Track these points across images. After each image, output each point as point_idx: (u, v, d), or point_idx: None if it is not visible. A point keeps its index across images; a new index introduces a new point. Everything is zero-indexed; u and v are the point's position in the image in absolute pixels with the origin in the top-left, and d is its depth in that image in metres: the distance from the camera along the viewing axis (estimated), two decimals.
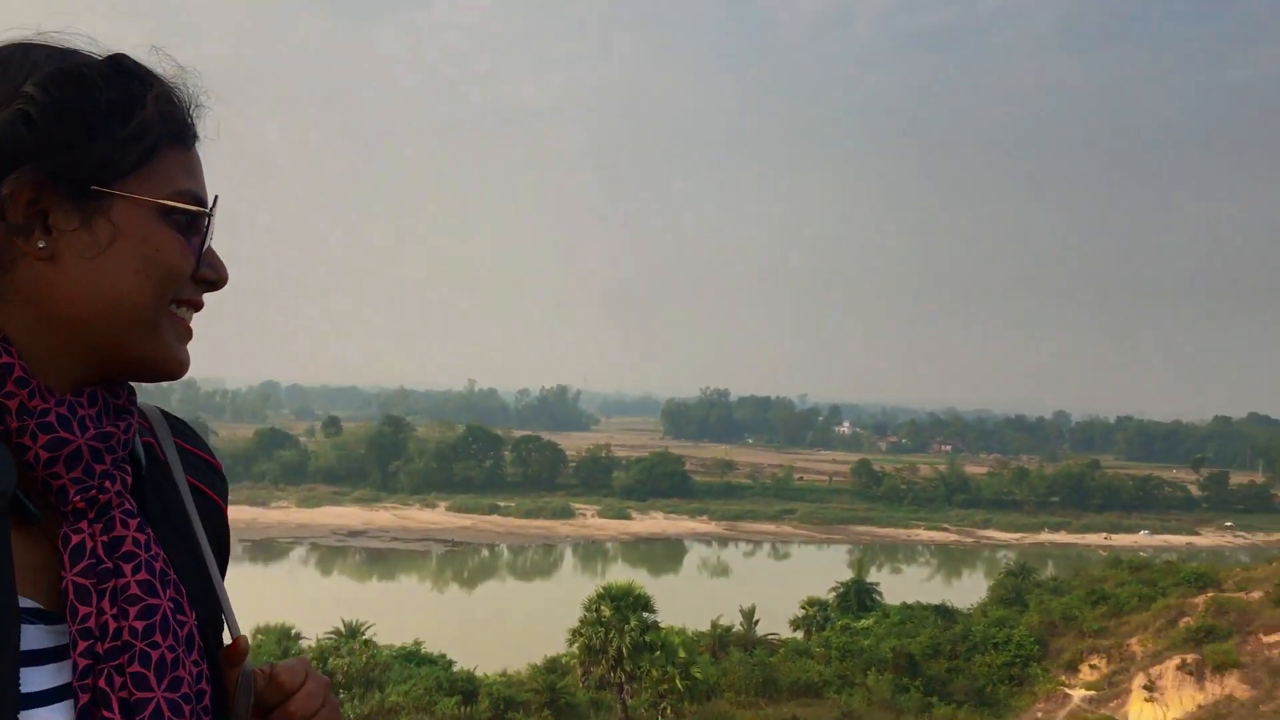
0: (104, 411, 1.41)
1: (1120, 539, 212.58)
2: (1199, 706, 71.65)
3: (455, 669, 64.78)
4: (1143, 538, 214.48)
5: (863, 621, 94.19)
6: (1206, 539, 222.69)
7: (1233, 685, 72.46)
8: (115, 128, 1.38)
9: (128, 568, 1.36)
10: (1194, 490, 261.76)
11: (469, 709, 55.17)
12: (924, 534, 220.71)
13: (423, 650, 71.23)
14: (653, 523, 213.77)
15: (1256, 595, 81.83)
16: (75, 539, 1.35)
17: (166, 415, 1.72)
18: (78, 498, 1.35)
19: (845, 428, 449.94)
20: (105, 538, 1.38)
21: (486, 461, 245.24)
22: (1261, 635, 75.04)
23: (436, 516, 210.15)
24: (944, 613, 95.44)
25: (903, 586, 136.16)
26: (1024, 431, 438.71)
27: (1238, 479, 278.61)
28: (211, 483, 1.73)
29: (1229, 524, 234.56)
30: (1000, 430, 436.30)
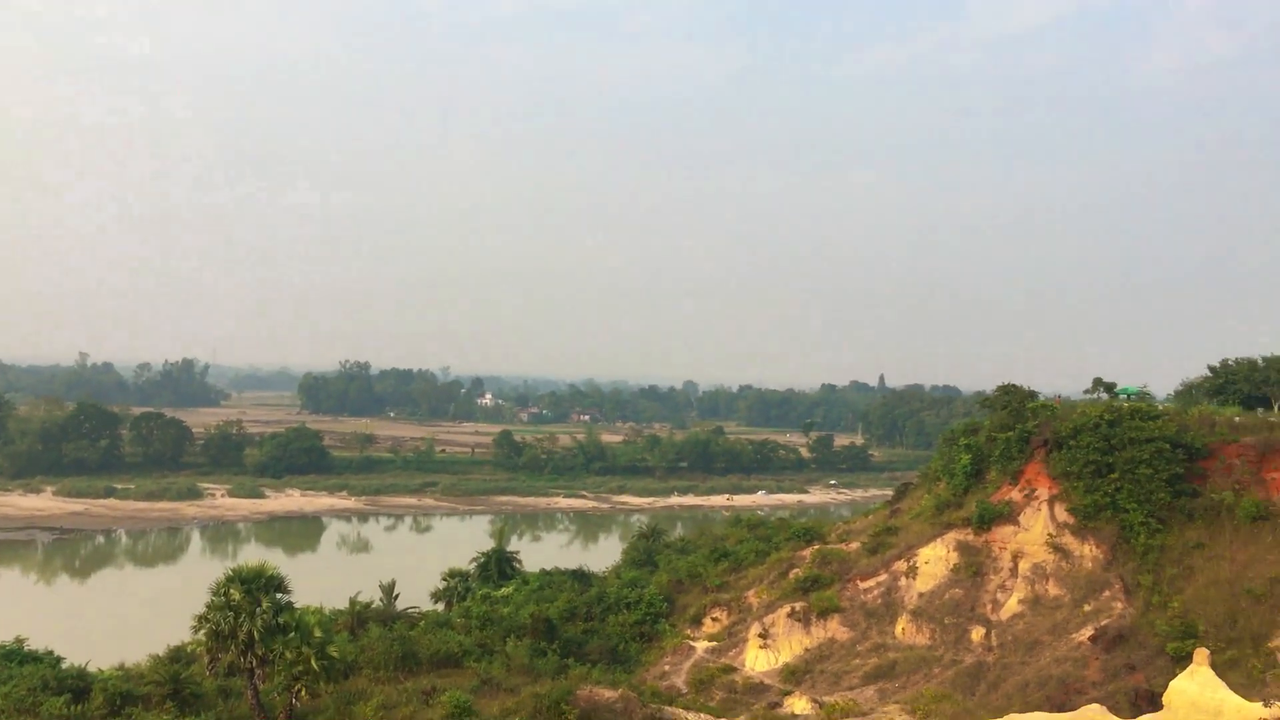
0: None
1: (741, 499, 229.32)
2: (805, 649, 78.60)
3: (64, 666, 59.80)
4: (760, 497, 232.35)
5: (503, 590, 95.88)
6: (815, 496, 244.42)
7: (834, 628, 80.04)
8: None
9: None
10: (804, 452, 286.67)
11: (79, 707, 50.99)
12: (563, 501, 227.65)
13: (25, 648, 65.16)
14: (289, 500, 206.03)
15: (854, 546, 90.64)
16: None
17: None
18: None
19: (488, 399, 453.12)
20: None
21: (101, 441, 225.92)
22: (858, 581, 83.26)
23: (42, 502, 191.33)
24: (581, 577, 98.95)
25: (543, 553, 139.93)
26: (657, 400, 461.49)
27: (841, 441, 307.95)
28: None
29: (833, 482, 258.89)
30: (635, 400, 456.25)
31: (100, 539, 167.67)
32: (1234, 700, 45.53)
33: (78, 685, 53.97)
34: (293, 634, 56.22)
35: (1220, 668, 54.08)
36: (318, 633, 59.44)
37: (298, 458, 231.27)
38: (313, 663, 57.25)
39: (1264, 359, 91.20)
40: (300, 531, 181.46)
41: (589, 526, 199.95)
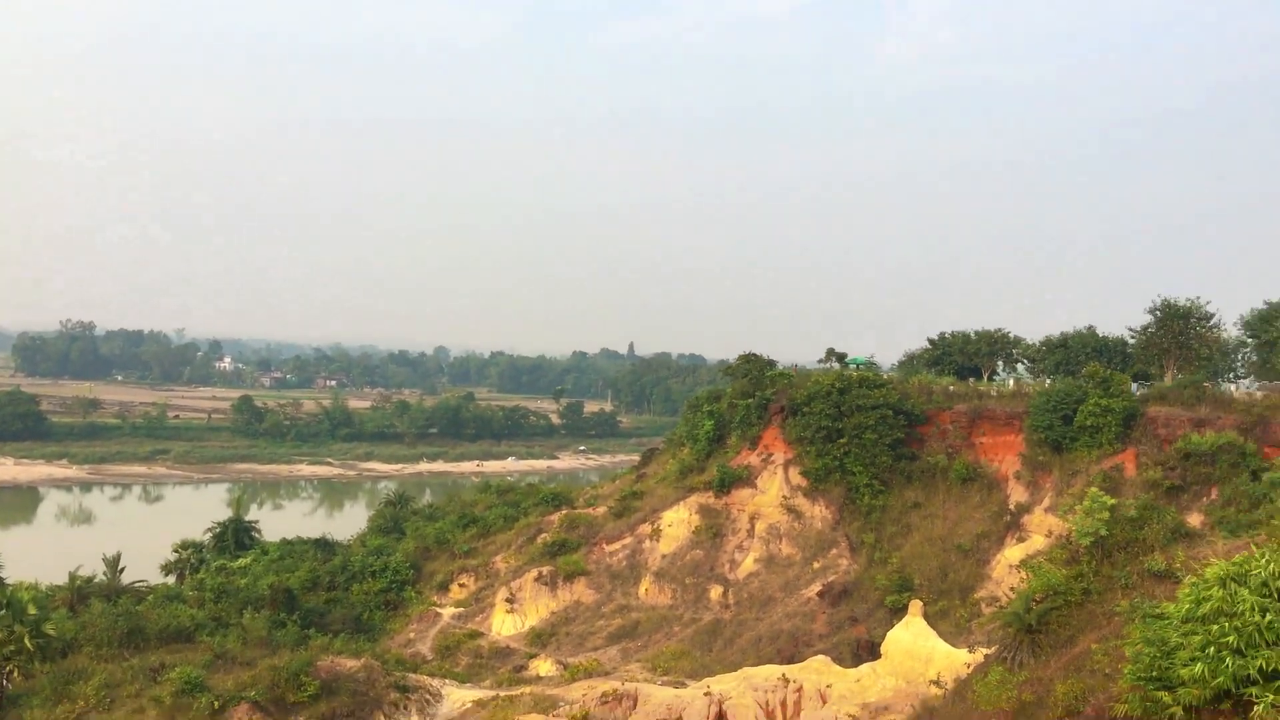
0: None
1: (491, 465, 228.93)
2: (551, 613, 79.76)
3: None
4: (511, 464, 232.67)
5: (240, 560, 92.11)
6: (564, 462, 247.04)
7: (580, 591, 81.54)
8: None
9: None
10: (555, 418, 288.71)
11: None
12: (307, 469, 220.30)
13: None
14: (1, 469, 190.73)
15: (602, 510, 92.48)
16: None
17: None
18: None
19: (226, 363, 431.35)
20: None
21: None
22: (604, 544, 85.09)
23: None
24: (324, 546, 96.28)
25: (284, 522, 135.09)
26: (406, 366, 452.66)
27: (591, 407, 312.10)
28: None
29: (583, 448, 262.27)
30: (384, 365, 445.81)
31: None
32: (943, 647, 49.52)
33: None
34: (3, 612, 52.60)
35: (932, 618, 58.64)
36: (32, 610, 55.84)
37: (10, 423, 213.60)
38: (26, 641, 53.80)
39: (976, 333, 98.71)
40: (13, 503, 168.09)
41: (334, 494, 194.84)
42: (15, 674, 55.84)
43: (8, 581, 65.97)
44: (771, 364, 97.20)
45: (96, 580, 79.34)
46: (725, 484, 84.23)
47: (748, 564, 78.86)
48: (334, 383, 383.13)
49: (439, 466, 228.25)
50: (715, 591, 76.65)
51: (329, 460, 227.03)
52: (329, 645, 64.40)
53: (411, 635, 77.28)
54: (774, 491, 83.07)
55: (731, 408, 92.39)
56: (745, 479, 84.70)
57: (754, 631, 70.31)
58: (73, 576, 76.47)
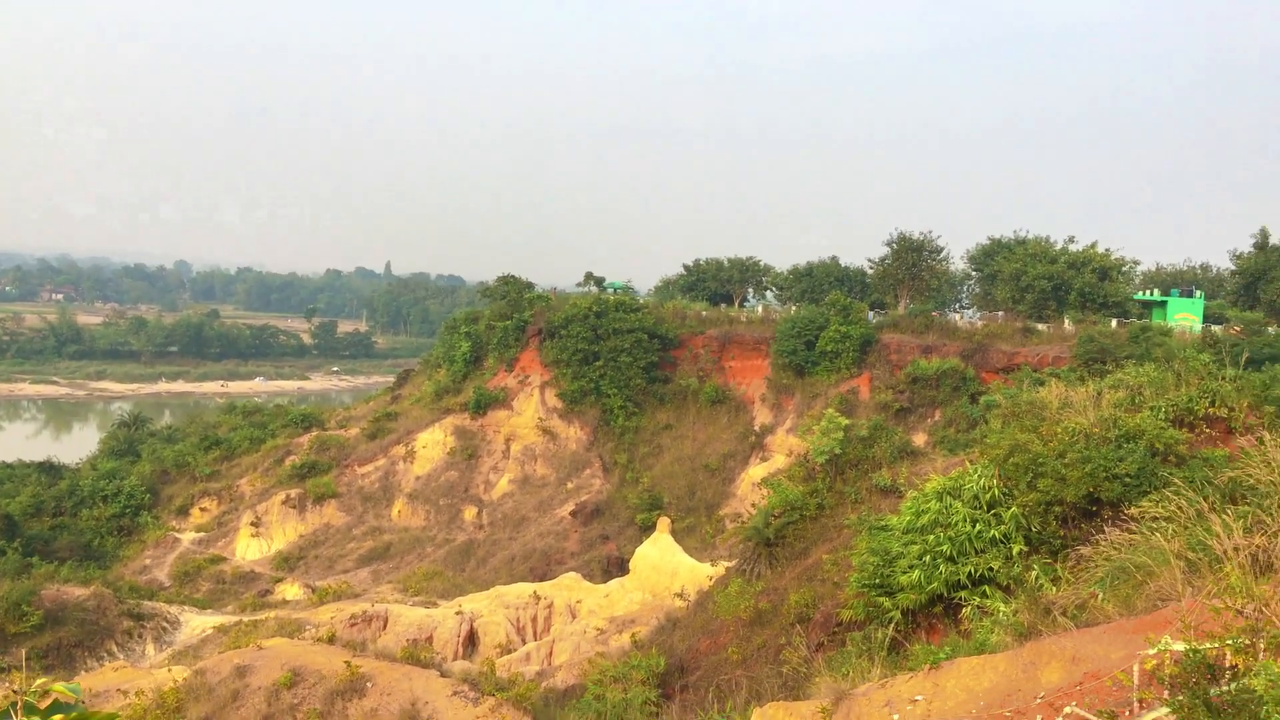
0: None
1: (237, 386, 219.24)
2: (300, 536, 77.73)
3: None
4: (258, 384, 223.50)
5: None
6: (316, 383, 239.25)
7: (330, 514, 79.80)
8: None
9: None
10: (307, 338, 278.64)
11: None
12: (30, 388, 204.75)
13: None
14: None
15: (354, 431, 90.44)
16: None
17: None
18: None
19: None
20: None
21: None
22: (356, 466, 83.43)
23: None
24: (49, 469, 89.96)
25: (4, 445, 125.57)
26: (144, 280, 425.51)
27: (345, 328, 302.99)
28: None
29: (336, 369, 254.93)
30: (118, 279, 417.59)
31: None
32: (688, 562, 51.46)
33: None
34: None
35: (679, 534, 60.84)
36: None
37: None
38: None
39: (729, 260, 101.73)
40: None
41: (61, 415, 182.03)
42: None
43: None
44: (530, 286, 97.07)
45: None
46: (481, 405, 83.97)
47: (502, 485, 79.22)
48: (61, 296, 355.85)
49: (180, 387, 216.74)
50: (469, 512, 76.71)
51: (55, 379, 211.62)
52: (54, 573, 60.57)
53: (147, 562, 73.66)
54: (530, 413, 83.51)
55: (489, 329, 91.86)
56: (502, 401, 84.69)
57: (507, 551, 70.93)
58: None
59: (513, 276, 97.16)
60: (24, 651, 48.45)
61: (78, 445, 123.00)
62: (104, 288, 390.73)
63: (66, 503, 79.52)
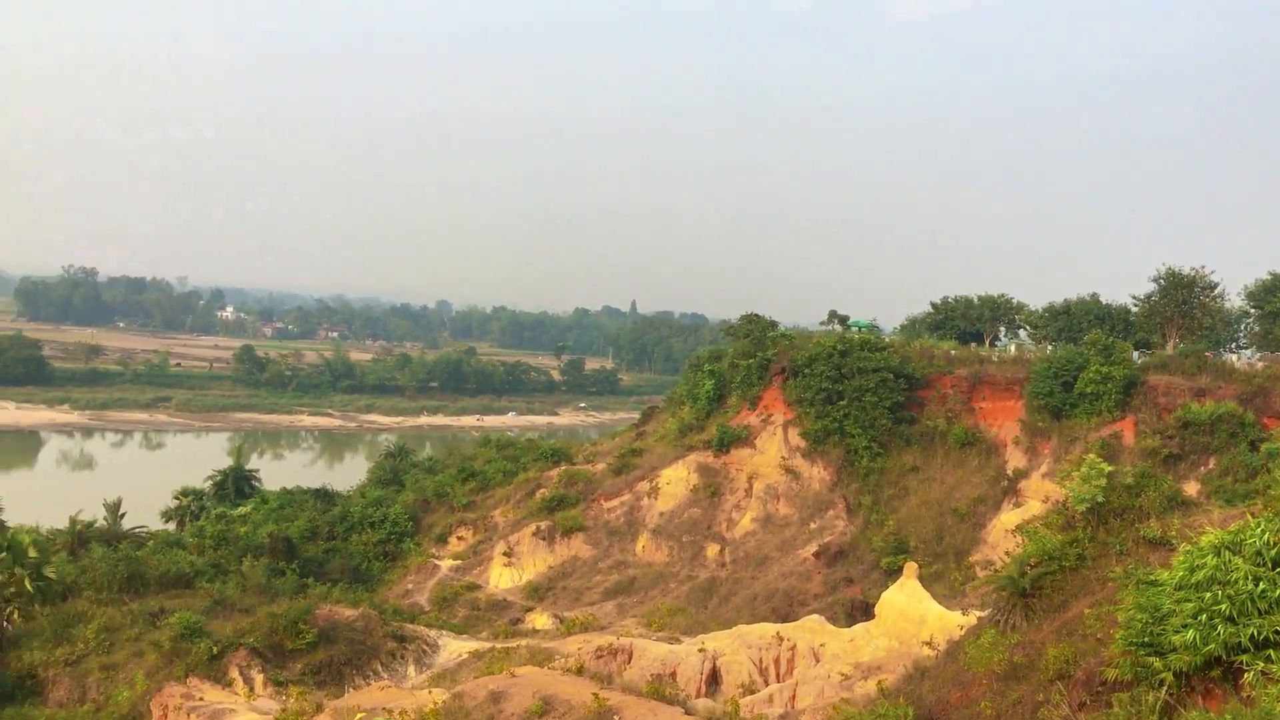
0: None
1: (491, 420, 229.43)
2: (549, 567, 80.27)
3: None
4: (511, 419, 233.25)
5: (240, 509, 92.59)
6: (565, 418, 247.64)
7: (578, 546, 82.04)
8: None
9: None
10: (556, 375, 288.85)
11: None
12: (308, 420, 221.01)
13: None
14: (2, 413, 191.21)
15: (600, 467, 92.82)
16: None
17: None
18: None
19: (229, 312, 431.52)
20: None
21: None
22: (603, 501, 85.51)
23: None
24: (324, 496, 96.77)
25: (284, 472, 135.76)
26: (409, 319, 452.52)
27: (592, 365, 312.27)
28: None
29: (583, 405, 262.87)
30: (386, 318, 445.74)
31: None
32: (936, 609, 49.82)
33: None
34: (4, 554, 52.87)
35: (927, 580, 58.98)
36: (32, 553, 56.13)
37: (12, 368, 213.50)
38: (26, 584, 54.15)
39: (979, 298, 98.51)
40: (13, 446, 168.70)
41: (335, 445, 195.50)
42: (15, 616, 56.32)
43: (8, 524, 66.38)
44: (773, 325, 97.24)
45: (97, 525, 79.81)
46: (724, 443, 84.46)
47: (745, 523, 79.25)
48: (336, 334, 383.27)
49: (439, 420, 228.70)
50: (712, 550, 77.09)
51: (330, 411, 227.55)
52: (327, 594, 64.91)
53: (409, 586, 77.84)
54: (773, 452, 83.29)
55: (732, 368, 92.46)
56: (744, 439, 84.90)
57: (749, 590, 70.78)
58: (73, 521, 76.87)
59: (756, 315, 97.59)
60: (299, 666, 52.13)
61: (349, 473, 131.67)
62: (373, 326, 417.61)
63: (338, 528, 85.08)
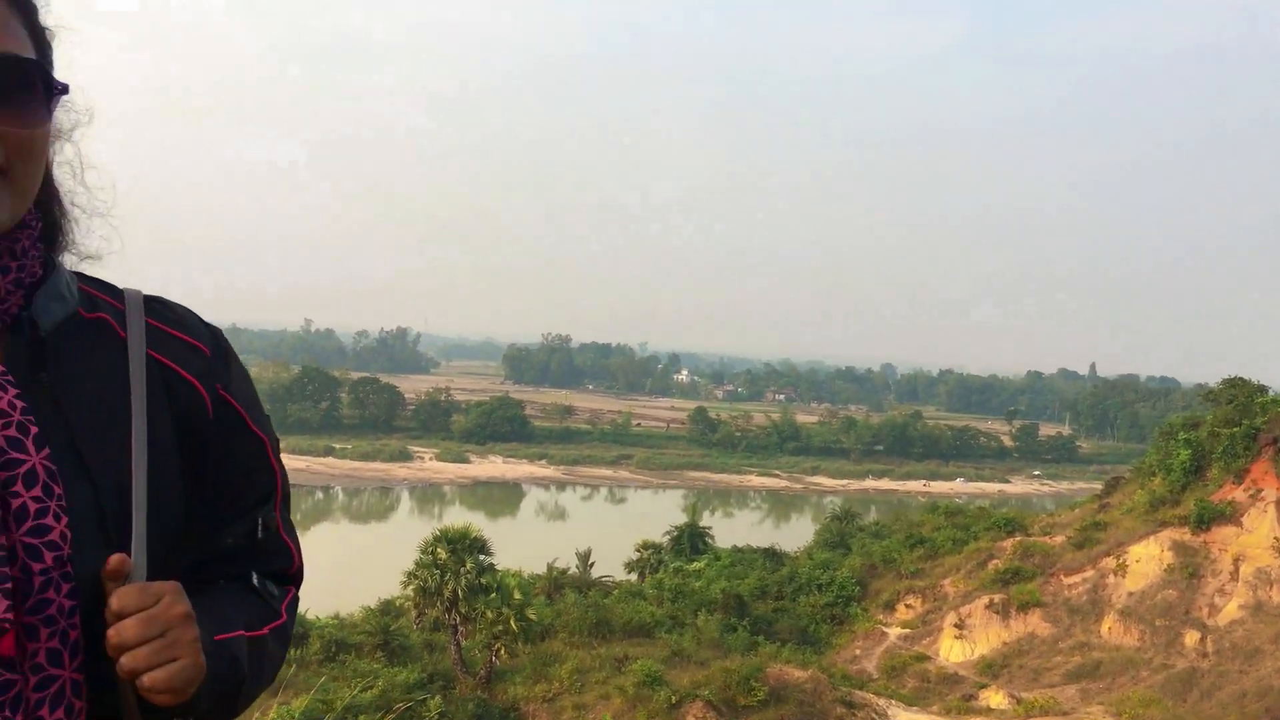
0: None
1: (938, 486, 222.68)
2: (1004, 643, 76.35)
3: None
4: (959, 485, 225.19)
5: (695, 564, 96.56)
6: (1017, 486, 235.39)
7: (1035, 623, 77.45)
8: None
9: None
10: (1007, 441, 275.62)
11: (299, 652, 54.44)
12: (756, 480, 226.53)
13: None
14: (491, 466, 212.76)
15: (1059, 539, 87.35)
16: None
17: (149, 298, 1.87)
18: None
19: (684, 375, 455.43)
20: None
21: (322, 403, 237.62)
22: (1062, 576, 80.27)
23: None
24: (772, 556, 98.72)
25: (734, 530, 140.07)
26: (853, 383, 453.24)
27: (1046, 431, 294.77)
28: (182, 359, 1.82)
29: (1037, 473, 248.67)
30: (831, 381, 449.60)
31: (319, 494, 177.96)
32: None
33: (297, 631, 57.39)
34: (494, 594, 58.43)
35: None
36: (517, 595, 61.55)
37: (500, 426, 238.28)
38: (512, 623, 59.38)
39: None
40: (501, 497, 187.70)
41: (781, 506, 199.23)
42: (502, 652, 62.19)
43: (497, 568, 73.77)
44: (1262, 390, 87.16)
45: (569, 572, 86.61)
46: (1204, 520, 76.50)
47: (1230, 610, 71.06)
48: (782, 397, 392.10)
49: (884, 484, 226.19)
50: (1190, 637, 69.77)
51: (777, 472, 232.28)
52: (777, 653, 65.96)
53: (857, 652, 77.29)
54: (1263, 532, 74.26)
55: (1212, 436, 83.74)
56: (1228, 516, 76.44)
57: (1237, 685, 63.23)
58: (550, 567, 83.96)
59: (1240, 379, 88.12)
60: None
61: (794, 534, 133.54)
62: (818, 389, 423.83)
63: (786, 588, 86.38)
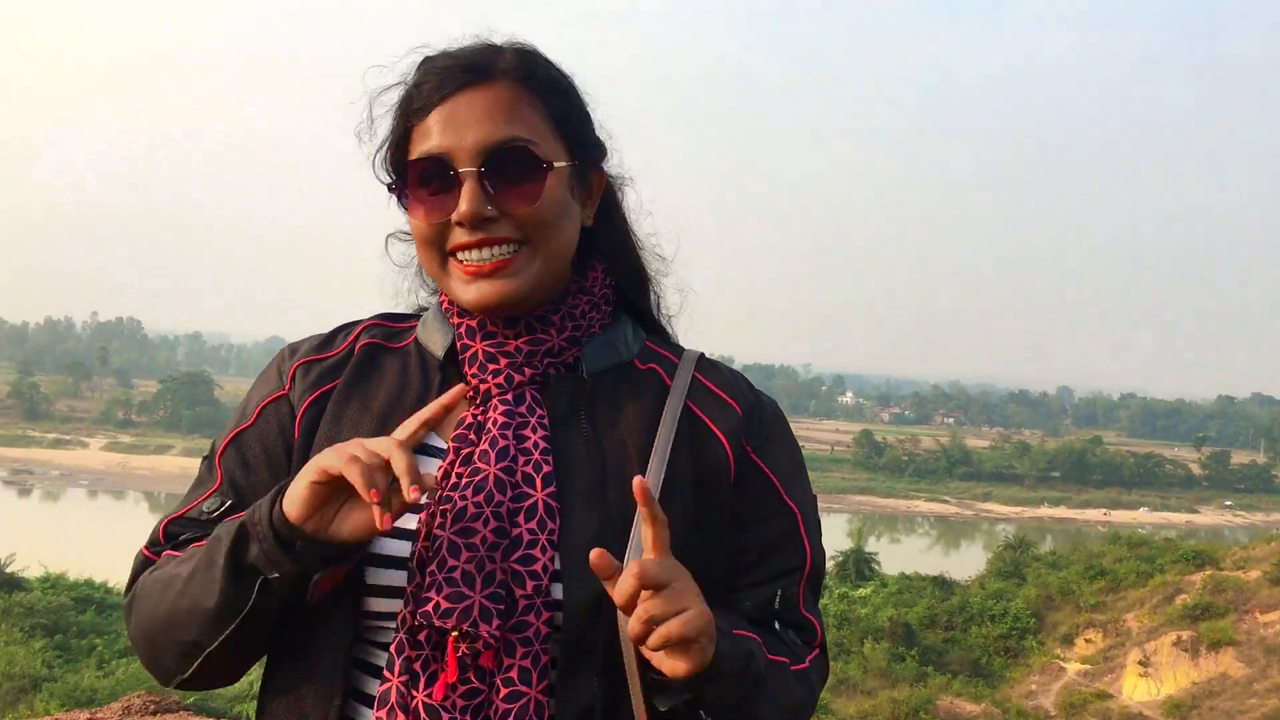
0: (505, 330, 1.77)
1: (1120, 515, 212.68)
2: (1193, 683, 72.17)
3: None
4: (1142, 514, 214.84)
5: (861, 590, 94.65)
6: (1206, 517, 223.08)
7: (1227, 663, 72.99)
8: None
9: (478, 438, 1.71)
10: (1195, 469, 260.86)
11: None
12: (924, 505, 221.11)
13: None
14: None
15: (1254, 574, 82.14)
16: (462, 413, 1.76)
17: (704, 358, 2.01)
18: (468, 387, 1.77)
19: (848, 397, 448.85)
20: (480, 416, 1.75)
21: None
22: (1258, 614, 75.45)
23: None
24: (942, 584, 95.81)
25: (901, 556, 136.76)
26: (1027, 406, 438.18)
27: (1239, 459, 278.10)
28: (715, 415, 1.87)
29: (1229, 503, 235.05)
30: (1003, 404, 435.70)
31: None
32: None
33: None
34: None
35: None
36: None
37: None
38: None
39: None
40: None
41: (950, 533, 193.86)
42: None
43: None
44: None
45: None
46: None
47: None
48: (951, 420, 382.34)
49: (1061, 512, 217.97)
50: None
51: (945, 498, 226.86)
52: (947, 685, 64.12)
53: (1033, 687, 74.37)
54: None
55: None
56: None
57: None
58: None
59: None
60: None
61: (964, 562, 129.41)
62: (990, 413, 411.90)
63: (957, 618, 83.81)
